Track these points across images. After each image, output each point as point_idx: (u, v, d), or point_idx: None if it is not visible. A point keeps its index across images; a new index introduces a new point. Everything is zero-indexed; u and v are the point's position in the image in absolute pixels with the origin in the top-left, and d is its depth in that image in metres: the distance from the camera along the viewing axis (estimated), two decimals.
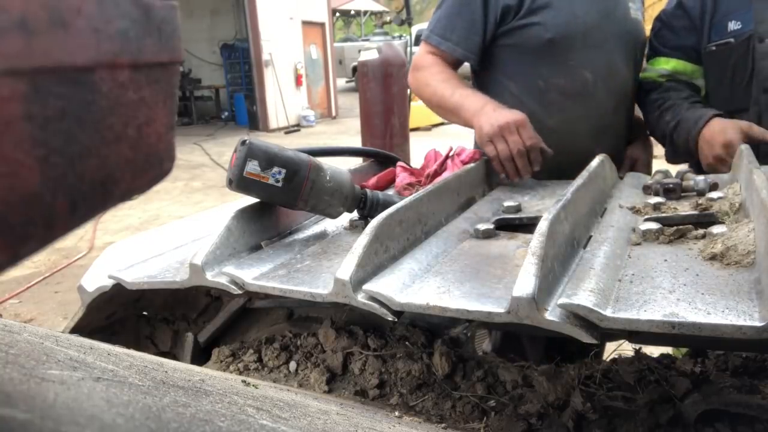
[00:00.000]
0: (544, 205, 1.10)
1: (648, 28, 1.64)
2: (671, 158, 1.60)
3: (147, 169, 0.26)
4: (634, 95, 1.60)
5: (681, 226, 0.79)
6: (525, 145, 1.25)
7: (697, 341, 0.76)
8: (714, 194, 0.94)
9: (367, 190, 0.99)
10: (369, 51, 4.93)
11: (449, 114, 1.47)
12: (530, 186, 1.28)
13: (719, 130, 1.36)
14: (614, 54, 1.48)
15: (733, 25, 1.44)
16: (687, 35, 1.53)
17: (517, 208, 1.05)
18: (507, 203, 1.06)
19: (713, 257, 0.69)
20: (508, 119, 1.27)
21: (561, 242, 0.70)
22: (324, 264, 0.80)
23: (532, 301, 0.57)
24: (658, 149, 1.68)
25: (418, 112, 7.41)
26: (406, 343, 0.88)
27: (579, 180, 0.90)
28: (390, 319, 0.66)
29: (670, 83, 1.56)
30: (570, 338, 0.58)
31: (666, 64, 1.57)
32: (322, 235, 0.95)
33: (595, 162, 1.05)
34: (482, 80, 1.58)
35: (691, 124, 1.44)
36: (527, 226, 0.99)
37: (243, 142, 0.84)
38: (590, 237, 0.80)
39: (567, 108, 1.47)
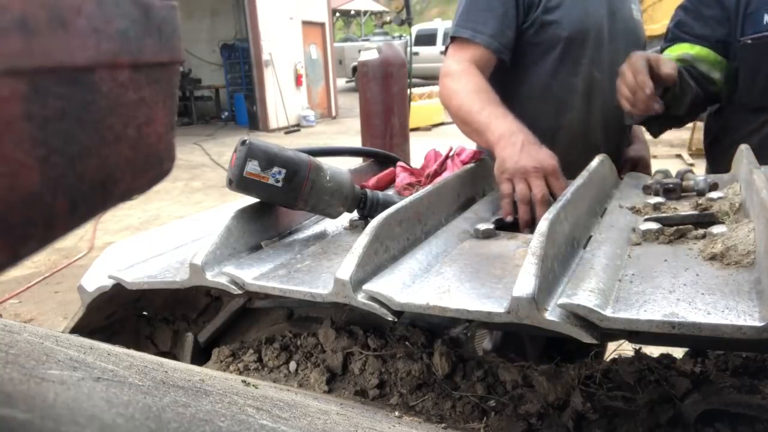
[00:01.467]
0: None
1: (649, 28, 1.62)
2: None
3: (147, 169, 0.26)
4: None
5: (681, 226, 0.79)
6: (552, 194, 1.06)
7: (697, 341, 0.76)
8: (714, 194, 0.94)
9: (367, 190, 0.99)
10: (369, 51, 4.93)
11: (474, 134, 1.28)
12: None
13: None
14: (619, 54, 1.47)
15: None
16: (717, 26, 1.47)
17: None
18: None
19: (713, 257, 0.69)
20: (537, 163, 1.07)
21: (561, 242, 0.70)
22: (324, 264, 0.79)
23: (532, 301, 0.57)
24: (657, 149, 1.66)
25: (418, 112, 7.41)
26: (406, 343, 0.88)
27: (579, 180, 0.90)
28: (390, 319, 0.66)
29: (686, 67, 1.49)
30: (570, 338, 0.58)
31: (690, 49, 1.51)
32: (322, 235, 0.95)
33: (594, 162, 1.05)
34: (492, 83, 1.53)
35: None
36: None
37: (243, 142, 0.84)
38: (590, 237, 0.80)
39: (577, 107, 1.47)
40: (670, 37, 1.57)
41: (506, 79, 1.49)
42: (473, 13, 1.41)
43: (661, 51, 1.62)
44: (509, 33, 1.40)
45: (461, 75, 1.36)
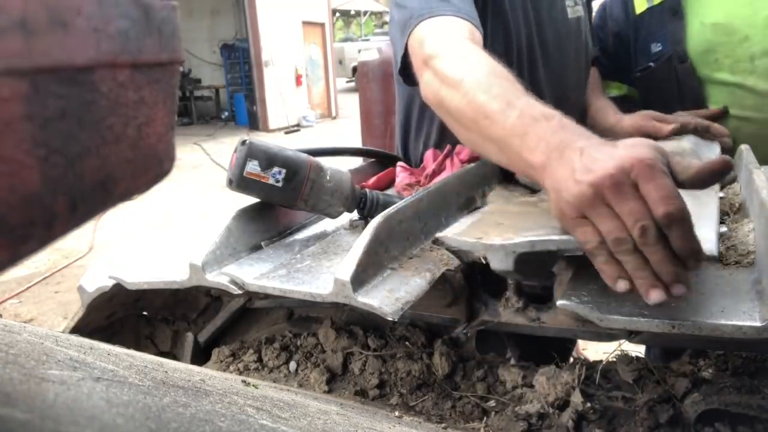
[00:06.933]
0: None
1: None
2: None
3: (147, 169, 0.26)
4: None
5: None
6: (660, 216, 0.56)
7: (697, 341, 0.76)
8: None
9: (367, 190, 0.99)
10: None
11: (490, 143, 0.79)
12: None
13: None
14: (562, 65, 1.31)
15: (655, 47, 1.42)
16: (619, 62, 1.53)
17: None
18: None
19: None
20: (616, 165, 0.58)
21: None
22: (324, 264, 0.80)
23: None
24: None
25: None
26: (406, 343, 0.88)
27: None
28: (390, 319, 0.66)
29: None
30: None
31: (618, 90, 1.56)
32: (322, 235, 0.95)
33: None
34: None
35: None
36: None
37: (243, 142, 0.84)
38: None
39: None
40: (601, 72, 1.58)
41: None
42: None
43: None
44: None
45: (463, 52, 0.90)
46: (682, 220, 0.56)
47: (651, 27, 1.43)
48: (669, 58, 1.38)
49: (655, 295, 0.57)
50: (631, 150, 0.59)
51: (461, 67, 0.86)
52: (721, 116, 1.33)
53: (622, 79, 1.55)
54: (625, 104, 1.49)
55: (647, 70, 1.44)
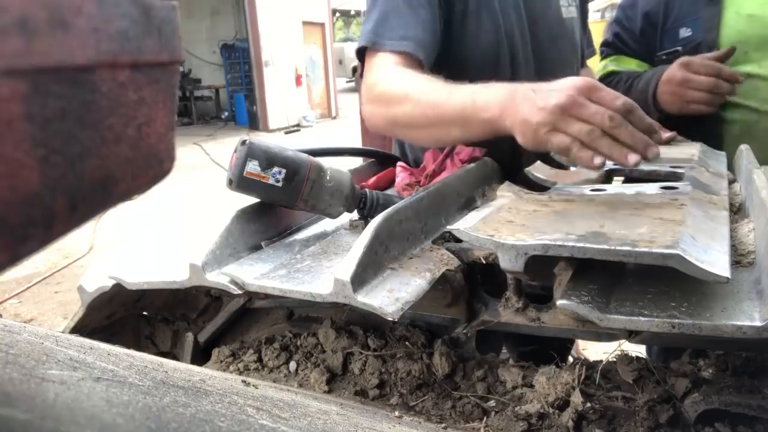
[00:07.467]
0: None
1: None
2: None
3: (147, 169, 0.26)
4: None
5: None
6: (618, 108, 0.76)
7: (697, 341, 0.76)
8: None
9: (367, 190, 0.99)
10: None
11: (450, 126, 0.95)
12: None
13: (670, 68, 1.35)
14: (561, 75, 1.32)
15: (684, 32, 1.42)
16: (643, 40, 1.53)
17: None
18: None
19: None
20: (568, 90, 0.77)
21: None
22: (324, 264, 0.79)
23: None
24: None
25: None
26: (406, 343, 0.88)
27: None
28: (390, 319, 0.66)
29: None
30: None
31: (639, 67, 1.55)
32: (322, 235, 0.95)
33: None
34: None
35: (650, 75, 1.43)
36: None
37: (243, 142, 0.84)
38: None
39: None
40: (612, 50, 1.59)
41: None
42: (392, 18, 1.10)
43: (603, 57, 1.63)
44: (432, 38, 1.12)
45: (399, 75, 1.04)
46: (634, 107, 0.77)
47: (683, 11, 1.43)
48: (697, 45, 1.38)
49: (633, 158, 0.75)
50: (577, 78, 0.79)
51: (401, 85, 1.01)
52: (729, 56, 1.31)
53: (644, 58, 1.54)
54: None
55: (673, 54, 1.43)
